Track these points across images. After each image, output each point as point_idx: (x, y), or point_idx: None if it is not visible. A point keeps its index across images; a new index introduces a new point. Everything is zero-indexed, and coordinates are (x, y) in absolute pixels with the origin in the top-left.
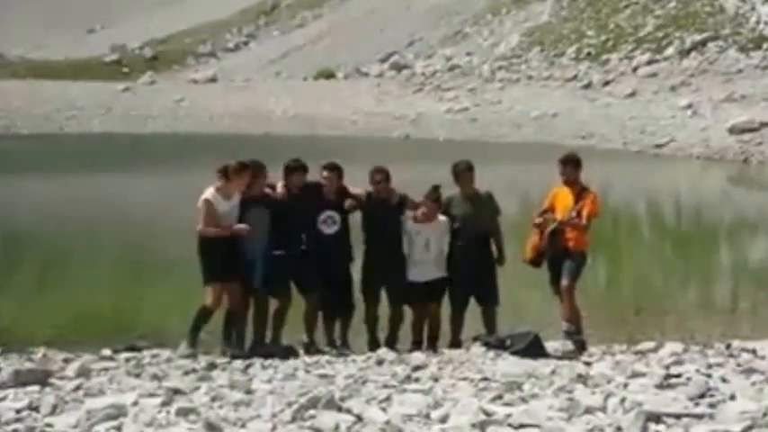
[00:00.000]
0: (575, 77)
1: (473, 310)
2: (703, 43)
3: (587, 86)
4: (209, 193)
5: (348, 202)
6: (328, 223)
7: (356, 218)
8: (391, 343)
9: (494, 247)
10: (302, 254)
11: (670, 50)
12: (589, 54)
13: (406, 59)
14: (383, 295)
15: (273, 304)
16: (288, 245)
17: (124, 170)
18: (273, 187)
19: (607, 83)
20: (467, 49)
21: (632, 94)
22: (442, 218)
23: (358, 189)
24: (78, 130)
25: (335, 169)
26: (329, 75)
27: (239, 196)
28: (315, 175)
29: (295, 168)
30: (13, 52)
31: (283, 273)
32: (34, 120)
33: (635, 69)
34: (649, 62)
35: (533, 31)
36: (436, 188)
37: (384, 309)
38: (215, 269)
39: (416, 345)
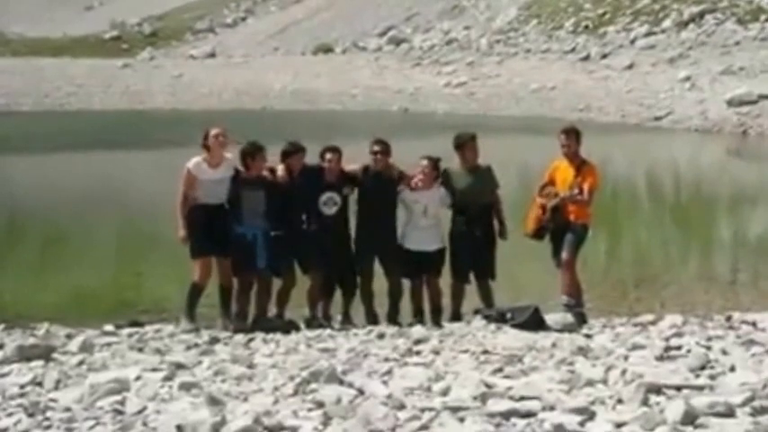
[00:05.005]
0: (573, 50)
1: (473, 284)
2: (701, 15)
3: (585, 59)
4: (194, 160)
5: (345, 190)
6: (329, 204)
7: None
8: (393, 317)
9: (495, 221)
10: (303, 234)
11: (668, 23)
12: (587, 27)
13: (403, 34)
14: (379, 270)
15: (277, 283)
16: (289, 225)
17: (124, 147)
18: (273, 170)
19: (605, 55)
20: (464, 23)
21: (630, 67)
22: (439, 187)
23: (354, 165)
24: (79, 108)
25: (337, 151)
26: (327, 49)
27: (231, 168)
28: (313, 153)
29: (293, 152)
30: (12, 29)
31: (286, 253)
32: (35, 97)
33: (633, 41)
34: (647, 34)
35: (531, 5)
36: (431, 158)
37: (383, 283)
38: (196, 244)
39: (417, 314)
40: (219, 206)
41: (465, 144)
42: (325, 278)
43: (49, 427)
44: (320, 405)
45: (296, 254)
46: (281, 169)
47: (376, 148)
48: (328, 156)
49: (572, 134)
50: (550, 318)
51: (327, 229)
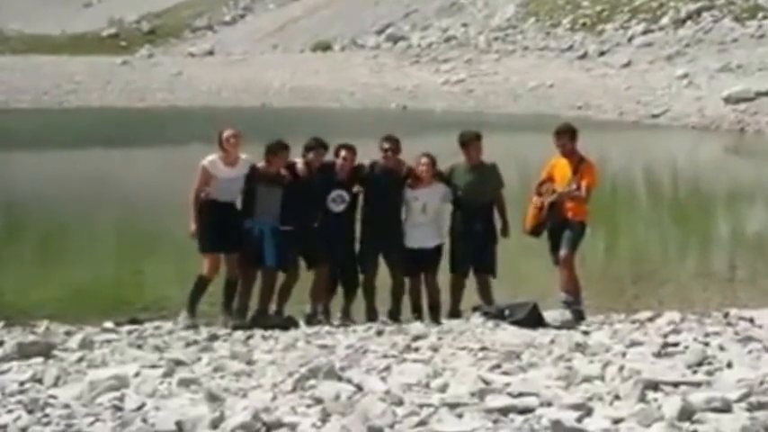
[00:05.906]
0: (570, 48)
1: (472, 280)
2: (698, 12)
3: (583, 57)
4: (209, 158)
5: (356, 188)
6: (337, 202)
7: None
8: (395, 314)
9: (496, 219)
10: (313, 230)
11: (665, 20)
12: (585, 24)
13: (402, 31)
14: (382, 265)
15: (280, 278)
16: (301, 221)
17: (123, 144)
18: (292, 166)
19: (603, 53)
20: (462, 21)
21: (628, 64)
22: (440, 184)
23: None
24: (77, 105)
25: (352, 149)
26: (326, 47)
27: (246, 167)
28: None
29: (314, 147)
30: (11, 26)
31: (293, 248)
32: (33, 95)
33: (630, 39)
34: (645, 32)
35: (528, 2)
36: (429, 156)
37: (383, 280)
38: (206, 239)
39: (416, 311)
40: (231, 204)
41: (470, 143)
42: (330, 274)
43: (48, 423)
44: (319, 401)
45: (302, 249)
46: (300, 163)
47: (386, 145)
48: (343, 153)
49: (565, 133)
50: (549, 314)
51: (333, 226)
